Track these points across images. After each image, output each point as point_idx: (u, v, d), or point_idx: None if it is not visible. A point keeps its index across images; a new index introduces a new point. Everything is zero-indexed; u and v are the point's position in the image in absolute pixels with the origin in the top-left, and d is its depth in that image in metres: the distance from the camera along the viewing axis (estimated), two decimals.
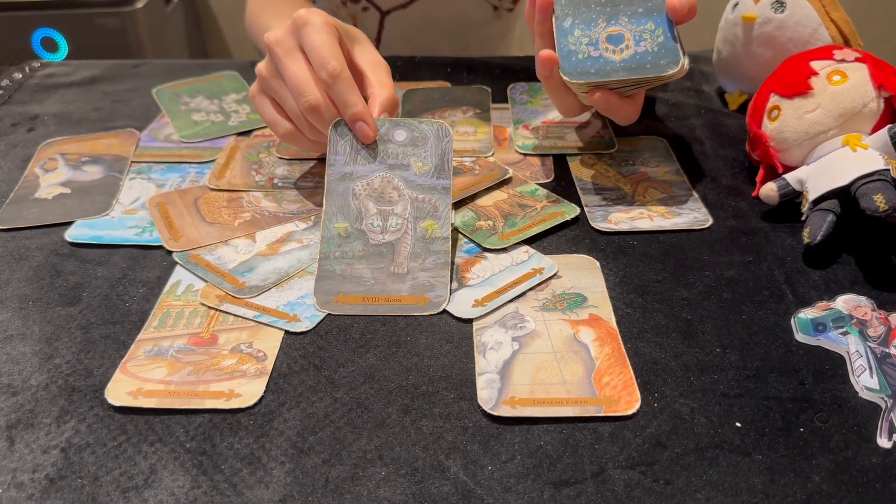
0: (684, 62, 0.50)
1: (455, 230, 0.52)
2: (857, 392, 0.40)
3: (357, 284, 0.46)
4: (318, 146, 0.53)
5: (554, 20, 0.53)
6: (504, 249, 0.50)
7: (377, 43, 0.92)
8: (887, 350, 0.42)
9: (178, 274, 0.49)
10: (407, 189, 0.49)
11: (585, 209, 0.55)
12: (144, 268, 0.50)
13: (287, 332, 0.44)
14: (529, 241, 0.51)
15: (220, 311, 0.46)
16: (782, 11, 0.61)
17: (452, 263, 0.48)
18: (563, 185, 0.58)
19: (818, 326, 0.44)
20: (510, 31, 0.98)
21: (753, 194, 0.56)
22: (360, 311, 0.45)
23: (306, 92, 0.49)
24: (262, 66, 0.53)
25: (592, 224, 0.53)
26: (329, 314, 0.45)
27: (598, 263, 0.49)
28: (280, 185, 0.58)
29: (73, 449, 0.37)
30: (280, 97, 0.52)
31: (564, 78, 0.52)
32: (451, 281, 0.47)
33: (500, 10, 0.91)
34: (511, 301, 0.46)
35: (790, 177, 0.52)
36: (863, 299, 0.45)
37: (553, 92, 0.56)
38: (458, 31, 0.92)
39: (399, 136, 0.50)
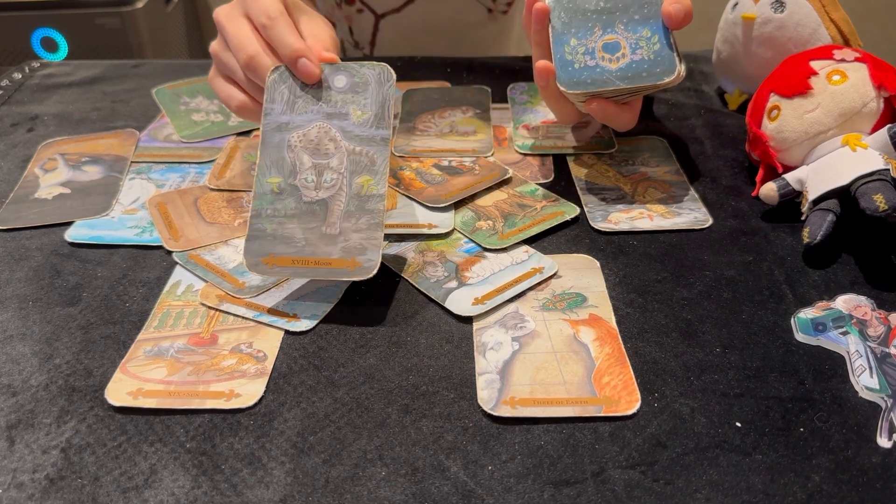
0: (681, 69, 0.50)
1: (455, 230, 0.52)
2: (857, 392, 0.40)
3: (288, 245, 0.45)
4: None
5: (550, 29, 0.52)
6: (504, 249, 0.50)
7: (372, 45, 0.92)
8: (887, 350, 0.42)
9: (178, 274, 0.49)
10: (344, 140, 0.47)
11: (585, 209, 0.55)
12: (144, 268, 0.50)
13: (287, 331, 0.44)
14: (529, 241, 0.51)
15: (220, 310, 0.46)
16: (782, 11, 0.61)
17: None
18: (562, 185, 0.58)
19: (818, 326, 0.44)
20: (505, 32, 0.98)
21: (753, 194, 0.56)
22: (288, 274, 0.45)
23: (244, 46, 0.48)
24: (213, 44, 0.52)
25: (592, 224, 0.53)
26: (321, 320, 0.45)
27: (598, 263, 0.49)
28: None
29: (74, 449, 0.37)
30: (229, 68, 0.51)
31: (561, 88, 0.51)
32: (382, 243, 0.45)
33: (495, 12, 0.91)
34: (511, 301, 0.46)
35: (790, 177, 0.52)
36: (863, 299, 0.45)
37: (551, 101, 0.56)
38: (452, 33, 0.91)
39: (339, 83, 0.48)
